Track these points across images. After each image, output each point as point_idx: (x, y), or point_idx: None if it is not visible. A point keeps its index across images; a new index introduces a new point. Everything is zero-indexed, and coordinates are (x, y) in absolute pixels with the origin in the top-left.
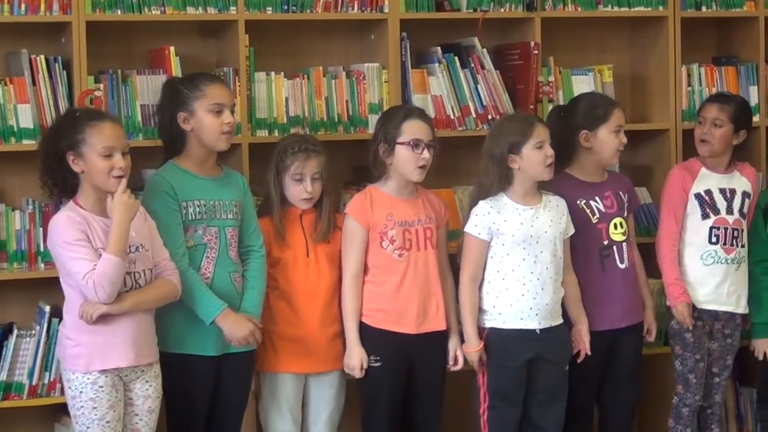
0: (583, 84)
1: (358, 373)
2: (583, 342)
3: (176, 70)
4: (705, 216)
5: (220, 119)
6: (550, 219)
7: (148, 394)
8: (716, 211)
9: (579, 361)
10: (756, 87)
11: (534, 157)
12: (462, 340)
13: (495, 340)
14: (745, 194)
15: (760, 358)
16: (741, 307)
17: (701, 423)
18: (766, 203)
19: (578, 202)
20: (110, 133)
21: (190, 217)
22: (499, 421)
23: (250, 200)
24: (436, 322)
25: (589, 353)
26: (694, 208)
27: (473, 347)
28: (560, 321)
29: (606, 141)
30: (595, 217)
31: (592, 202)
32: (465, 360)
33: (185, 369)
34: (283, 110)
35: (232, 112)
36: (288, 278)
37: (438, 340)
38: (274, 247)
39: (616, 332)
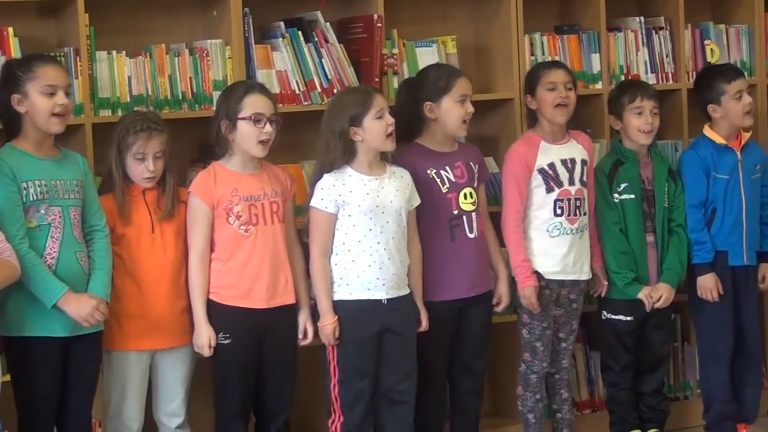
0: (427, 56)
1: (206, 352)
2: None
3: (15, 52)
4: (549, 189)
5: (53, 101)
6: (396, 189)
7: None
8: (560, 184)
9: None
10: (598, 55)
11: (375, 128)
12: (312, 314)
13: (343, 312)
14: (583, 162)
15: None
16: (584, 274)
17: (550, 388)
18: (609, 168)
19: (428, 171)
20: None
21: (31, 198)
22: (350, 395)
23: (91, 180)
24: (285, 296)
25: (424, 328)
26: (538, 182)
27: (328, 321)
28: (407, 291)
29: (450, 111)
30: (445, 186)
31: (442, 172)
32: (315, 334)
33: (32, 352)
34: (126, 89)
35: (67, 93)
36: (132, 255)
37: (288, 314)
38: (118, 224)
39: (465, 301)
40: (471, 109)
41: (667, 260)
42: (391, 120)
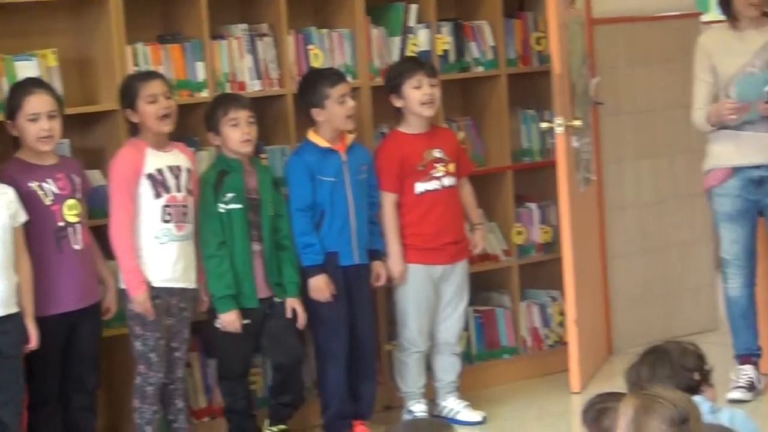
0: (27, 70)
1: None
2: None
3: None
4: (157, 195)
5: None
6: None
7: None
8: (167, 190)
9: (26, 352)
10: (202, 63)
11: None
12: None
13: None
14: (188, 170)
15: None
16: (193, 283)
17: (165, 399)
18: (215, 179)
19: (30, 184)
20: None
21: None
22: None
23: None
24: None
25: (34, 347)
26: (146, 188)
27: None
28: (16, 310)
29: (23, 129)
30: (49, 198)
31: (44, 184)
32: None
33: None
34: None
35: None
36: None
37: None
38: None
39: (75, 314)
40: (45, 126)
41: (285, 275)
42: None
